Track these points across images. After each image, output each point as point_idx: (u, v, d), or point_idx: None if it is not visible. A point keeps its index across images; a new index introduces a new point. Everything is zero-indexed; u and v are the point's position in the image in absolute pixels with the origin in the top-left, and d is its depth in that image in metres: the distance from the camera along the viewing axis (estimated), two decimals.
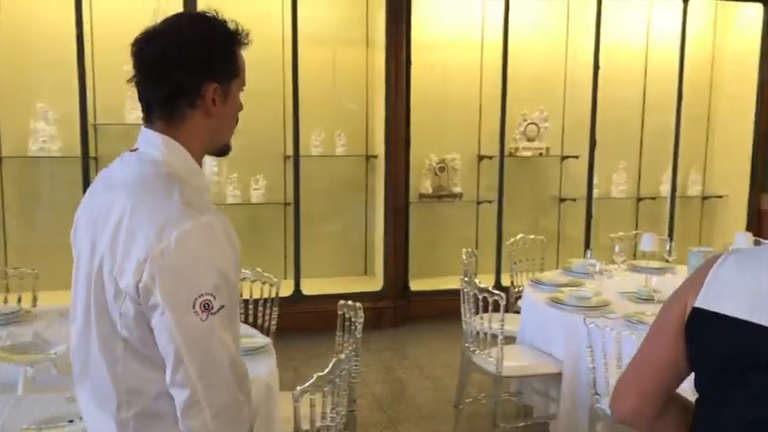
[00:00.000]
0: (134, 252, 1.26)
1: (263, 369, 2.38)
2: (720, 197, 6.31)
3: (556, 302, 3.39)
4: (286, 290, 4.79)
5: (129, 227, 1.28)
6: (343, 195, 5.71)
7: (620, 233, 4.68)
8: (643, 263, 4.16)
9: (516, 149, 5.79)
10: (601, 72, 5.65)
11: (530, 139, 5.84)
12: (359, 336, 2.64)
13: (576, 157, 5.91)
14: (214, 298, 1.26)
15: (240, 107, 1.43)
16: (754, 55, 5.93)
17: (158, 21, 1.37)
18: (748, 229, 5.88)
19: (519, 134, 5.85)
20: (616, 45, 5.93)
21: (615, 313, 3.24)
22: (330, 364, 2.14)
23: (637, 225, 6.14)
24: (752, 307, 1.21)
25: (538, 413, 3.57)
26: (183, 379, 1.27)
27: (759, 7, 5.89)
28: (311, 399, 2.08)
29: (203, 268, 1.27)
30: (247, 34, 1.39)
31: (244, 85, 1.43)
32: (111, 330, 1.32)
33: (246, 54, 1.43)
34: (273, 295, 3.31)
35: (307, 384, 2.06)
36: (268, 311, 3.32)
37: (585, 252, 4.52)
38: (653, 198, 6.24)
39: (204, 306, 1.26)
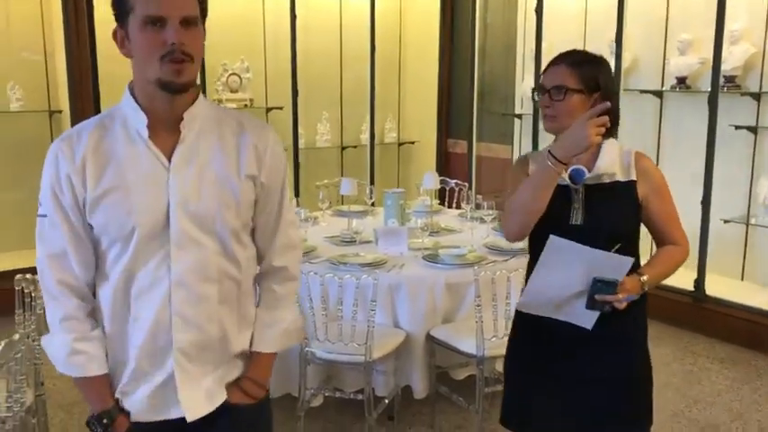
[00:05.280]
0: None
1: None
2: (413, 143, 6.83)
3: None
4: None
5: None
6: (24, 156, 5.02)
7: (325, 180, 4.81)
8: (345, 207, 4.33)
9: (220, 101, 5.61)
10: (299, 23, 5.67)
11: (233, 91, 5.70)
12: (40, 312, 2.34)
13: (281, 108, 5.92)
14: (40, 205, 1.52)
15: (159, 41, 1.42)
16: (436, 11, 6.42)
17: None
18: (438, 169, 6.47)
19: (221, 85, 5.68)
20: None
21: (320, 257, 3.32)
22: None
23: (342, 172, 6.38)
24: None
25: None
26: None
27: None
28: None
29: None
30: None
31: (147, 18, 1.42)
32: None
33: None
34: None
35: None
36: None
37: (291, 201, 4.57)
38: (355, 146, 6.52)
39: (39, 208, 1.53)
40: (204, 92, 5.71)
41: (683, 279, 4.47)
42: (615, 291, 1.76)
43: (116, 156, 1.49)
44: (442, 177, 4.94)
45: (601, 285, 1.76)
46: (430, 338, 3.14)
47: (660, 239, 1.97)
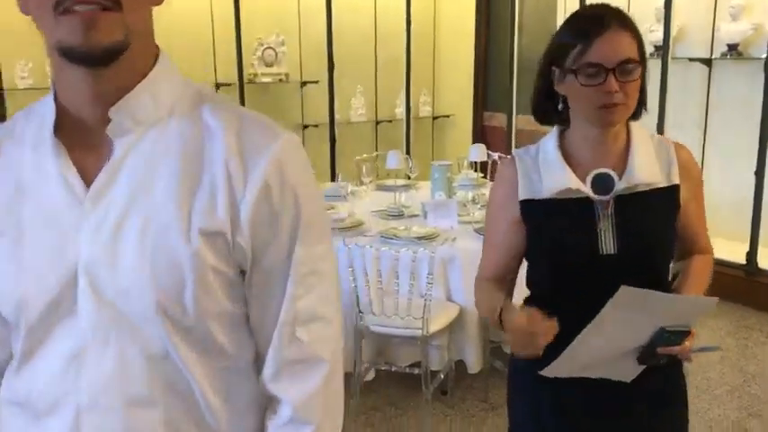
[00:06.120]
0: None
1: None
2: (448, 116, 6.73)
3: None
4: None
5: None
6: None
7: (365, 155, 4.75)
8: (389, 181, 4.27)
9: (255, 75, 5.56)
10: None
11: (268, 65, 5.64)
12: None
13: (316, 82, 5.85)
14: None
15: None
16: None
17: None
18: (474, 142, 6.37)
19: (256, 60, 5.61)
20: None
21: (371, 231, 3.27)
22: None
23: (377, 147, 6.32)
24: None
25: None
26: None
27: None
28: None
29: None
30: None
31: None
32: None
33: None
34: None
35: None
36: None
37: (334, 176, 4.52)
38: (390, 121, 6.45)
39: None
40: (240, 67, 5.60)
41: (734, 252, 4.36)
42: (683, 341, 1.32)
43: (14, 175, 0.89)
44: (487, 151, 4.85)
45: (668, 336, 1.30)
46: None
47: (688, 248, 1.52)
